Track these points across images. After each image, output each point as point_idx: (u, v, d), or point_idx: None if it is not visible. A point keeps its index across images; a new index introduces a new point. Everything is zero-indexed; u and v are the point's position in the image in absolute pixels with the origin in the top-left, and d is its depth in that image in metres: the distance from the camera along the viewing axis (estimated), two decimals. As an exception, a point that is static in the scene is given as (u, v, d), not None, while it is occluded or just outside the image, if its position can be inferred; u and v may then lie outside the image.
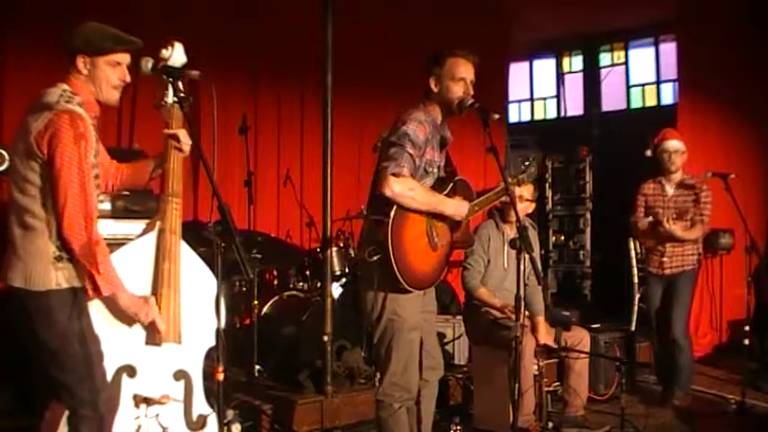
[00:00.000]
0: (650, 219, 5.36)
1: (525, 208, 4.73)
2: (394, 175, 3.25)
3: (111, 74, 2.72)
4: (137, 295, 2.80)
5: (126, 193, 4.34)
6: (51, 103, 2.59)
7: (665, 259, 5.34)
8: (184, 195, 6.18)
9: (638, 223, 5.46)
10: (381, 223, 3.26)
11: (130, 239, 3.01)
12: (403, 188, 3.26)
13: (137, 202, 4.38)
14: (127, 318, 2.81)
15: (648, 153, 5.40)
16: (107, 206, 4.28)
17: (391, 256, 3.22)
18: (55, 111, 2.57)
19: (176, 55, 2.94)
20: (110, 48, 2.71)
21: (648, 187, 5.44)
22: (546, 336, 4.63)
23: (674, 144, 5.29)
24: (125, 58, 2.75)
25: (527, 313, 4.69)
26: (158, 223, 2.94)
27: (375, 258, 3.24)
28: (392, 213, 3.25)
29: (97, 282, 2.62)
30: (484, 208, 3.74)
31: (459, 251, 4.28)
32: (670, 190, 5.35)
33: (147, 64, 2.88)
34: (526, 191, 4.69)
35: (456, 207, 3.45)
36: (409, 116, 3.37)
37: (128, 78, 2.77)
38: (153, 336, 2.86)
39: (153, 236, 2.92)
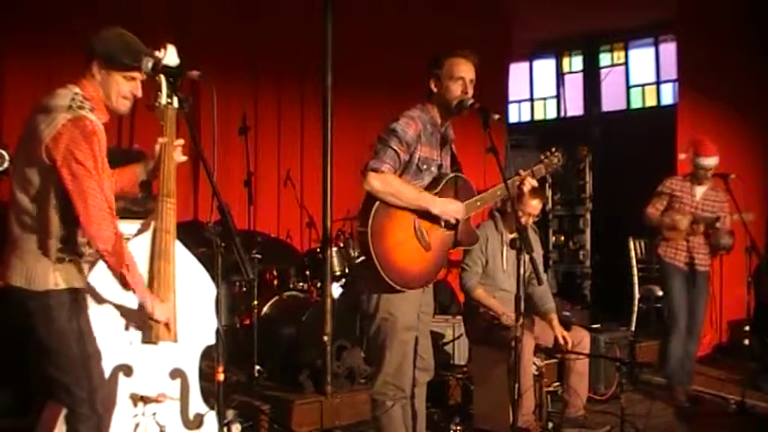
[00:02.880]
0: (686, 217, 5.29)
1: (527, 220, 4.69)
2: (373, 170, 3.27)
3: (123, 85, 2.71)
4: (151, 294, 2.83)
5: (125, 193, 4.35)
6: (63, 108, 2.56)
7: (700, 255, 5.34)
8: (184, 196, 6.23)
9: (652, 216, 5.37)
10: (363, 222, 3.27)
11: (129, 240, 3.01)
12: (381, 184, 3.26)
13: (136, 203, 4.38)
14: (126, 316, 2.82)
15: (682, 156, 5.39)
16: (107, 206, 4.28)
17: (374, 257, 3.22)
18: (67, 117, 2.54)
19: (169, 57, 2.94)
20: (127, 65, 2.69)
21: (677, 183, 5.38)
22: (562, 331, 4.63)
23: (711, 162, 5.26)
24: (140, 74, 2.74)
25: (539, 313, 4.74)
26: (153, 223, 2.94)
27: (360, 260, 3.25)
28: (373, 211, 3.25)
29: (127, 280, 2.65)
30: (487, 204, 3.66)
31: (458, 251, 4.26)
32: (698, 192, 5.34)
33: (148, 64, 2.88)
34: (534, 208, 4.66)
35: (443, 206, 3.37)
36: (402, 114, 3.39)
37: (139, 93, 2.75)
38: (149, 334, 2.87)
39: (148, 236, 2.93)
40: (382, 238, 3.27)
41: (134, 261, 2.70)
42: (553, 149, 3.77)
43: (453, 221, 3.43)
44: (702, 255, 5.37)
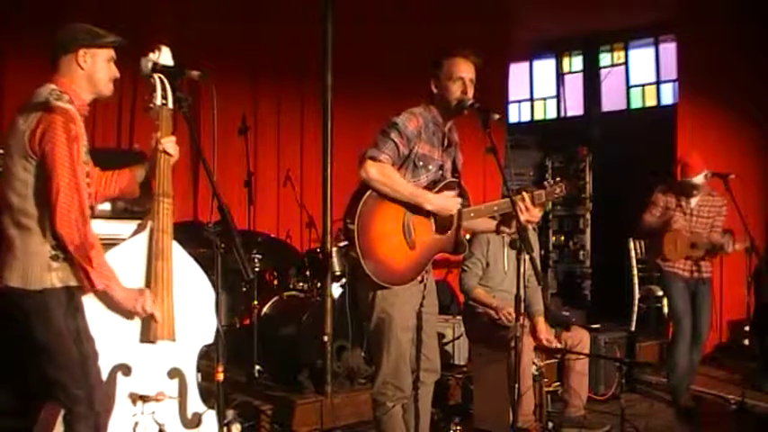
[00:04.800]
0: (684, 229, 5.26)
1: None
2: (371, 158, 3.27)
3: (106, 68, 2.78)
4: (131, 288, 2.81)
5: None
6: (41, 102, 2.61)
7: (703, 264, 5.31)
8: (184, 196, 6.23)
9: (650, 221, 5.32)
10: (352, 207, 3.26)
11: (125, 240, 3.01)
12: (378, 173, 3.26)
13: (136, 203, 4.38)
14: (122, 314, 2.82)
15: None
16: (107, 206, 4.28)
17: (357, 245, 3.21)
18: (46, 109, 2.59)
19: (163, 58, 2.94)
20: (111, 42, 2.78)
21: (670, 197, 5.33)
22: (547, 332, 4.62)
23: (699, 180, 5.20)
24: (114, 55, 2.82)
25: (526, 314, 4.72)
26: (150, 223, 2.94)
27: (343, 245, 3.24)
28: (364, 198, 3.25)
29: (91, 276, 2.63)
30: (481, 216, 3.59)
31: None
32: (693, 200, 5.30)
33: (148, 64, 2.89)
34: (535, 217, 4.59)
35: (438, 202, 3.34)
36: (404, 111, 3.40)
37: (117, 74, 2.83)
38: (148, 333, 2.87)
39: (144, 235, 2.93)
40: (368, 227, 3.25)
41: (102, 257, 2.68)
42: (558, 179, 3.70)
43: (448, 215, 3.38)
44: (703, 262, 5.34)
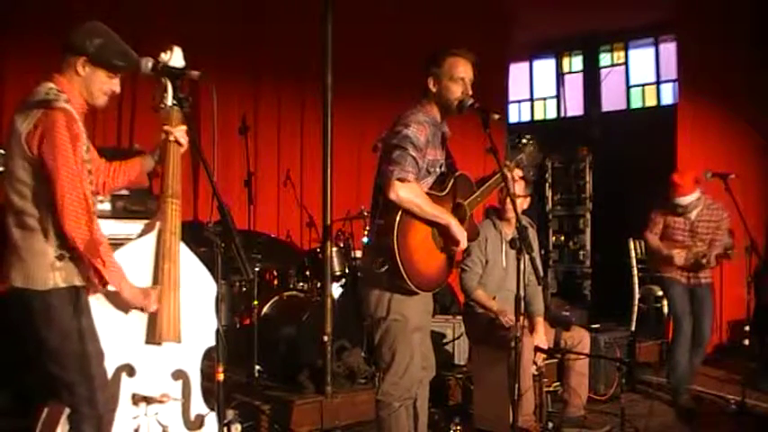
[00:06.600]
0: (678, 251, 5.28)
1: (520, 204, 4.68)
2: (399, 180, 3.23)
3: (105, 83, 2.75)
4: (140, 287, 2.81)
5: (126, 193, 4.35)
6: (39, 102, 2.60)
7: (701, 271, 5.32)
8: (184, 195, 6.21)
9: (651, 242, 5.41)
10: (388, 229, 3.24)
11: (131, 239, 3.01)
12: (408, 194, 3.24)
13: (137, 202, 4.38)
14: (127, 313, 2.82)
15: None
16: (107, 206, 4.28)
17: (398, 261, 3.20)
18: (43, 109, 2.58)
19: (175, 59, 2.94)
20: (119, 67, 2.74)
21: (669, 215, 5.35)
22: (542, 338, 4.61)
23: (687, 200, 5.22)
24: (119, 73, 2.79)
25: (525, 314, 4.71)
26: (158, 224, 2.94)
27: (383, 269, 3.23)
28: (398, 218, 3.23)
29: (103, 274, 2.64)
30: (486, 198, 3.70)
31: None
32: (693, 214, 5.30)
33: (148, 64, 2.89)
34: (518, 186, 4.63)
35: (459, 231, 3.37)
36: (409, 118, 3.34)
37: (118, 90, 2.80)
38: (153, 334, 2.86)
39: (153, 236, 2.93)
40: (406, 243, 3.25)
41: (111, 255, 2.68)
42: (524, 140, 3.85)
43: (455, 248, 3.42)
44: (705, 270, 5.33)
